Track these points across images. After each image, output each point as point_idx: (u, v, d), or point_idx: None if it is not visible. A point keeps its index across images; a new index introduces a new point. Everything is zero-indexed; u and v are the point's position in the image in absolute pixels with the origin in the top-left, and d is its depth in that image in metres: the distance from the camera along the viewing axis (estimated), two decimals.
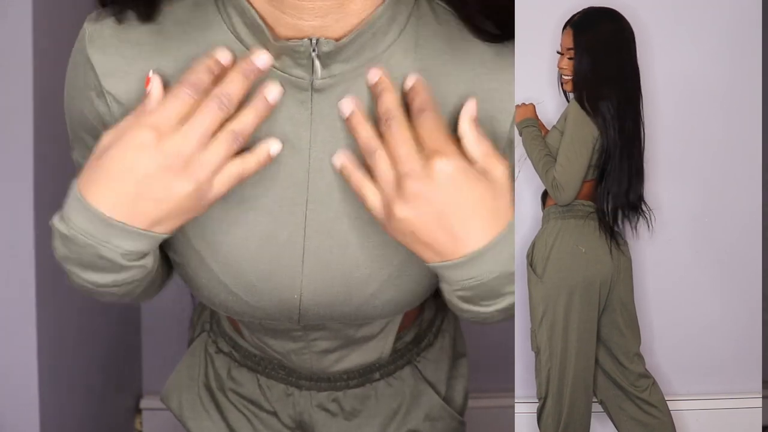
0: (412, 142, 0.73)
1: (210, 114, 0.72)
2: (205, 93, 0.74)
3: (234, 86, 0.73)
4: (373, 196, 0.76)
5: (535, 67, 1.97)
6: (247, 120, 0.75)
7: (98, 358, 1.93)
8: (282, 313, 0.86)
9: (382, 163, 0.74)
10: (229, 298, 0.86)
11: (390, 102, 0.76)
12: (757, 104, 2.14)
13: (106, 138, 0.77)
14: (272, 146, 0.79)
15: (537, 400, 1.90)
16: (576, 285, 1.77)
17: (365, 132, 0.77)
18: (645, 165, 1.91)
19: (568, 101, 1.89)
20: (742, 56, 2.11)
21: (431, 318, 1.26)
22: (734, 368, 2.22)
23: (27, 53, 1.43)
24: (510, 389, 2.01)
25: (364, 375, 1.11)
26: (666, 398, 2.25)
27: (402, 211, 0.72)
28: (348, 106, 0.78)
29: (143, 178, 0.72)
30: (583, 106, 1.78)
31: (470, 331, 2.46)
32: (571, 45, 1.77)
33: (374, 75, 0.79)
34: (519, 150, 1.95)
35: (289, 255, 0.83)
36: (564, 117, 1.85)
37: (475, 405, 2.46)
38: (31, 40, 1.44)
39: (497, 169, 0.76)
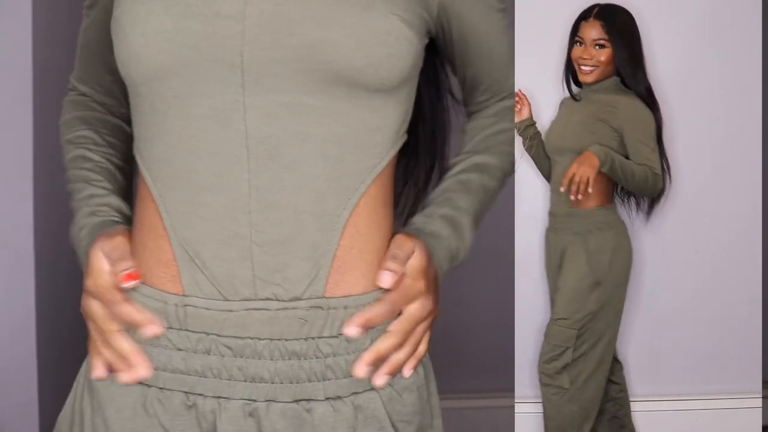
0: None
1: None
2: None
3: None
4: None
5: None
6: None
7: None
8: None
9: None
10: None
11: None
12: (757, 104, 2.14)
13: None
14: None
15: (537, 399, 1.90)
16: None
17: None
18: None
19: (572, 94, 1.93)
20: (741, 56, 2.11)
21: None
22: (734, 368, 2.22)
23: (27, 53, 1.43)
24: (510, 389, 2.01)
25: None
26: (666, 398, 2.26)
27: None
28: (353, 331, 0.76)
29: None
30: (639, 93, 1.85)
31: (470, 331, 2.46)
32: (598, 36, 1.84)
33: (353, 332, 0.76)
34: (518, 149, 1.96)
35: None
36: (565, 108, 1.91)
37: (475, 405, 2.46)
38: (30, 40, 1.44)
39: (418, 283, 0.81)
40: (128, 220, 0.82)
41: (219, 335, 0.74)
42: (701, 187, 2.17)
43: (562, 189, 1.79)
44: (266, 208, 0.73)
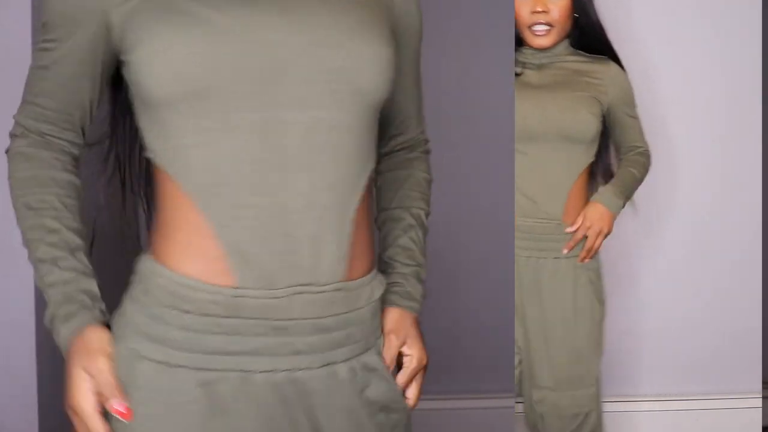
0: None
1: None
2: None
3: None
4: None
5: None
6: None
7: None
8: None
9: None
10: None
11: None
12: (757, 104, 2.14)
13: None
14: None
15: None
16: None
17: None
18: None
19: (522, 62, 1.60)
20: (741, 55, 2.12)
21: None
22: (734, 368, 2.22)
23: (26, 53, 1.43)
24: (510, 389, 2.01)
25: None
26: (666, 398, 2.26)
27: None
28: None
29: None
30: (618, 61, 1.62)
31: (470, 332, 2.46)
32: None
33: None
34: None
35: None
36: (524, 86, 1.58)
37: (475, 405, 2.46)
38: (30, 40, 1.44)
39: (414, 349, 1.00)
40: (97, 299, 0.93)
41: (268, 319, 0.86)
42: (701, 187, 2.17)
43: (565, 251, 1.56)
44: (304, 208, 0.85)
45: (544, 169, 1.56)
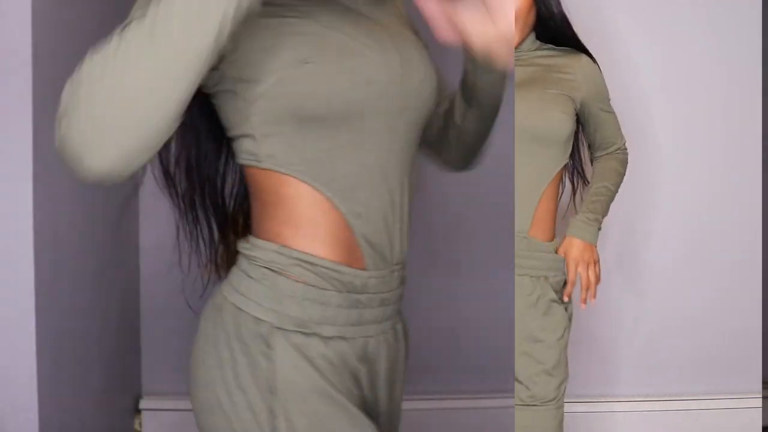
0: None
1: None
2: None
3: None
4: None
5: None
6: None
7: (98, 359, 1.93)
8: None
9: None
10: None
11: None
12: (757, 104, 2.14)
13: None
14: None
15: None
16: None
17: None
18: (644, 165, 1.91)
19: None
20: (741, 56, 2.12)
21: None
22: (734, 368, 2.23)
23: (26, 53, 1.43)
24: (510, 390, 2.01)
25: None
26: (666, 398, 2.26)
27: None
28: None
29: None
30: (589, 54, 1.55)
31: (471, 333, 2.46)
32: None
33: None
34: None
35: None
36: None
37: (475, 405, 2.46)
38: (30, 41, 1.44)
39: None
40: None
41: (377, 293, 1.04)
42: (701, 187, 2.17)
43: (565, 298, 1.54)
44: (400, 205, 1.04)
45: (517, 173, 1.50)
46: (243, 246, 1.03)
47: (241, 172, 1.09)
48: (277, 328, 0.98)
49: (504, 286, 2.09)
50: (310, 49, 0.92)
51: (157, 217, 2.32)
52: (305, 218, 1.01)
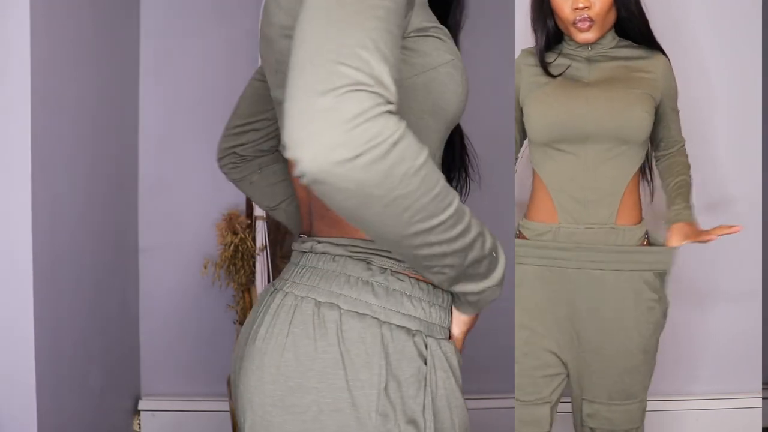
0: None
1: None
2: None
3: None
4: None
5: None
6: None
7: (97, 360, 1.93)
8: None
9: None
10: None
11: None
12: (757, 104, 2.14)
13: None
14: None
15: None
16: None
17: None
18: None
19: (545, 67, 1.56)
20: (742, 54, 2.12)
21: None
22: (734, 368, 2.22)
23: (25, 54, 1.43)
24: (510, 390, 2.00)
25: None
26: (666, 398, 2.26)
27: None
28: None
29: None
30: (655, 47, 1.58)
31: (470, 332, 2.45)
32: None
33: None
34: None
35: None
36: (562, 84, 1.54)
37: (475, 405, 2.46)
38: (29, 41, 1.44)
39: None
40: None
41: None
42: (700, 186, 2.17)
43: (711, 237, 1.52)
44: None
45: (597, 171, 1.51)
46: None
47: None
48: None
49: (505, 286, 2.08)
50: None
51: (157, 217, 2.31)
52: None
